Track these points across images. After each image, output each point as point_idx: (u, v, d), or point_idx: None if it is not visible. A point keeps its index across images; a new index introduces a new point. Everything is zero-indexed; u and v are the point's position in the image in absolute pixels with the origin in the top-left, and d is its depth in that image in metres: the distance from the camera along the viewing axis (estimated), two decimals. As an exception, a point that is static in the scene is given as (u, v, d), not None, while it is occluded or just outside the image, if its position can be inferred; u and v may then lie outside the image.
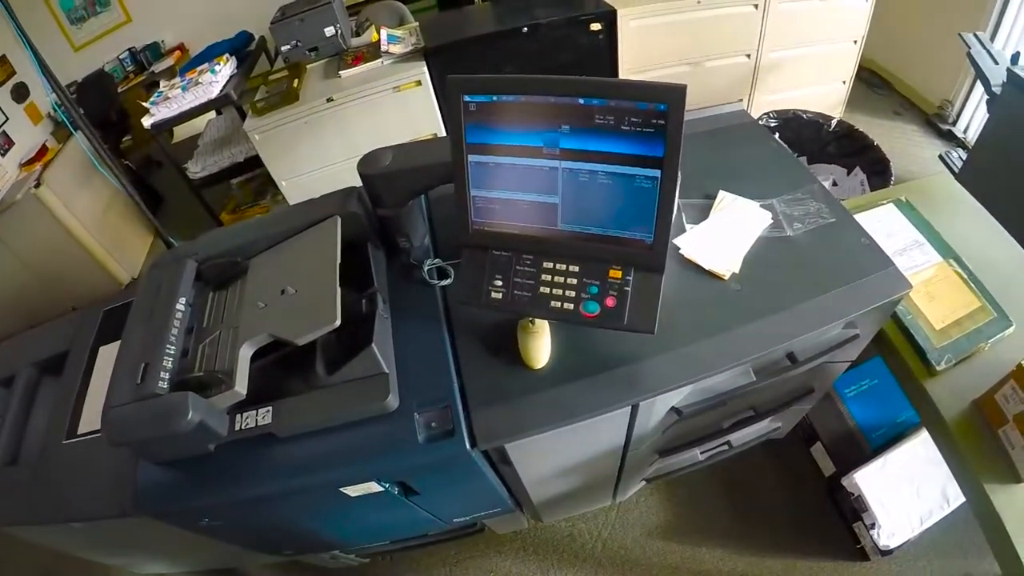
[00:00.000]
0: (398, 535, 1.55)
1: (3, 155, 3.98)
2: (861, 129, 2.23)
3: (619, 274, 0.88)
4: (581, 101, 0.81)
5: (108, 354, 1.32)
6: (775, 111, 2.32)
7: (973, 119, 2.93)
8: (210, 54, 3.06)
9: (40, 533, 1.34)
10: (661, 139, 0.79)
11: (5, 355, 1.53)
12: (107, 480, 1.10)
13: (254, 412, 0.98)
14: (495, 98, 0.85)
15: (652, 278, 0.88)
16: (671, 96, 0.76)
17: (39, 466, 1.21)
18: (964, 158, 2.61)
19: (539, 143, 0.85)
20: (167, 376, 0.95)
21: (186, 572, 2.00)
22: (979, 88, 2.72)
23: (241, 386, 0.94)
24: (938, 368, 1.24)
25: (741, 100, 2.85)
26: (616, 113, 0.80)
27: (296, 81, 2.62)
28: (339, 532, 1.43)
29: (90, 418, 1.23)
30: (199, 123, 3.17)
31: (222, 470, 1.01)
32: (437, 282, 1.14)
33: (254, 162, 2.84)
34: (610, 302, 0.88)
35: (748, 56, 2.69)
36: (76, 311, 1.55)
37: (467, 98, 0.86)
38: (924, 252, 1.42)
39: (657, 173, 0.82)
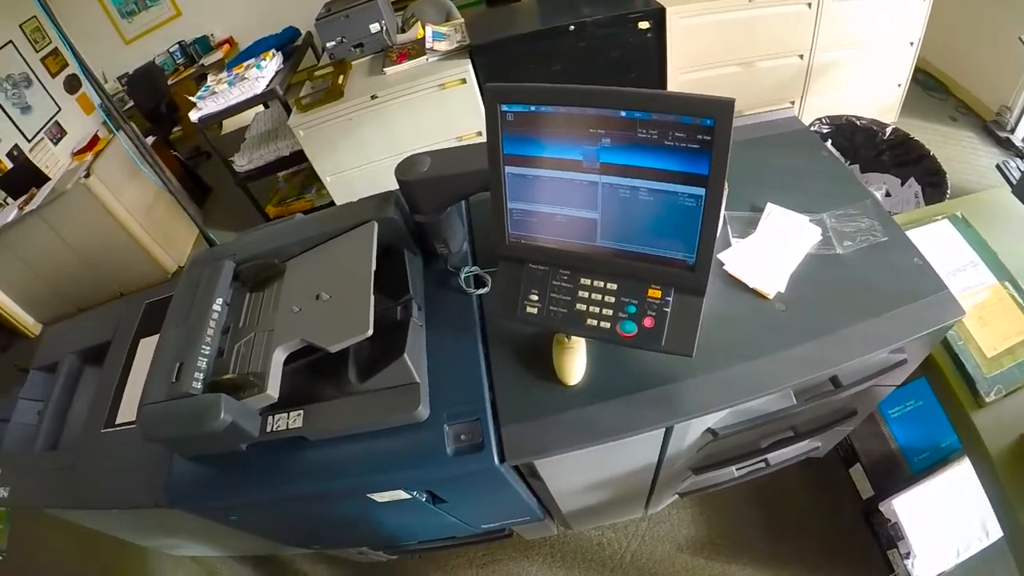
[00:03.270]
0: (426, 536, 1.55)
1: (56, 144, 4.14)
2: (916, 137, 2.14)
3: (658, 294, 0.85)
4: (623, 114, 0.77)
5: (148, 346, 1.35)
6: (828, 117, 2.25)
7: (1033, 127, 2.79)
8: (256, 49, 3.10)
9: (78, 515, 1.38)
10: (706, 156, 0.75)
11: (51, 342, 1.58)
12: (142, 471, 1.13)
13: (285, 415, 0.99)
14: (533, 108, 0.82)
15: (692, 300, 0.84)
16: (718, 110, 0.72)
17: (78, 453, 1.25)
18: (1022, 169, 2.48)
19: (579, 156, 0.82)
20: (201, 376, 0.96)
21: (218, 556, 2.05)
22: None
23: (273, 389, 0.95)
24: (987, 399, 1.19)
25: (792, 102, 2.78)
26: (659, 127, 0.76)
27: (341, 77, 2.63)
28: (366, 532, 1.43)
29: (128, 409, 1.26)
30: (247, 116, 3.22)
31: (253, 469, 1.03)
32: (474, 290, 1.13)
33: (299, 156, 2.87)
34: (648, 322, 0.85)
35: (801, 57, 2.60)
36: (123, 297, 1.58)
37: (504, 108, 0.83)
38: (978, 273, 1.36)
39: (701, 192, 0.78)
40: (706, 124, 0.74)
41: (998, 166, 2.66)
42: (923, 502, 1.56)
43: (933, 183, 2.03)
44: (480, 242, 1.25)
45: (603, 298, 0.88)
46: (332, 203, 3.00)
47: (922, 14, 2.55)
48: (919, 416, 1.68)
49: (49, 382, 1.46)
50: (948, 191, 1.97)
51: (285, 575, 2.03)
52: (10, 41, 4.01)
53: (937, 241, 1.41)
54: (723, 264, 1.09)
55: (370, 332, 0.89)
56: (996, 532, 1.49)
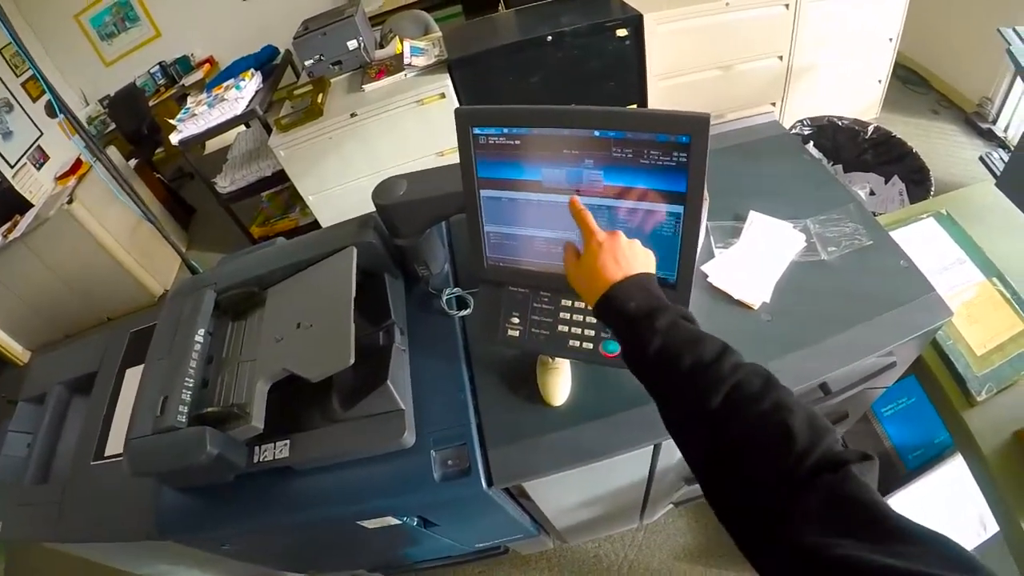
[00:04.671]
0: (420, 558, 1.54)
1: (39, 169, 4.11)
2: (899, 132, 2.14)
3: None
4: (596, 134, 0.76)
5: (134, 376, 1.34)
6: (809, 118, 2.24)
7: (1014, 117, 2.80)
8: (236, 69, 3.07)
9: (72, 547, 1.37)
10: (683, 173, 0.75)
11: (38, 373, 1.57)
12: (132, 503, 1.12)
13: (272, 445, 0.98)
14: (505, 130, 0.81)
15: (675, 317, 0.84)
16: (694, 127, 0.72)
17: (68, 486, 1.24)
18: (1005, 159, 2.49)
19: (554, 178, 0.81)
20: (185, 409, 0.95)
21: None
22: (1020, 85, 2.61)
23: (258, 420, 0.94)
24: (978, 398, 1.18)
25: (774, 104, 2.78)
26: (634, 146, 0.75)
27: (320, 96, 2.62)
28: (360, 557, 1.43)
29: (116, 440, 1.25)
30: (230, 135, 3.21)
31: (242, 499, 1.02)
32: (456, 312, 1.12)
33: (282, 176, 2.85)
34: (631, 341, 0.85)
35: (780, 58, 2.61)
36: (110, 322, 1.57)
37: (476, 131, 0.82)
38: (966, 270, 1.35)
39: (680, 209, 0.77)
40: (682, 141, 0.73)
41: (981, 158, 2.68)
42: (919, 500, 1.55)
43: (917, 180, 2.03)
44: (461, 263, 1.24)
45: (584, 319, 0.87)
46: (316, 222, 2.98)
47: (900, 9, 2.55)
48: (912, 413, 1.67)
49: (38, 413, 1.45)
50: (932, 187, 1.97)
51: (282, 598, 2.01)
52: (-11, 67, 3.99)
53: (923, 240, 1.41)
54: (707, 276, 1.08)
55: (351, 361, 0.88)
56: (993, 526, 1.49)
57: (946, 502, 1.53)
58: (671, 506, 1.63)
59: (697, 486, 1.36)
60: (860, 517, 0.43)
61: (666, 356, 0.60)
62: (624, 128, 0.75)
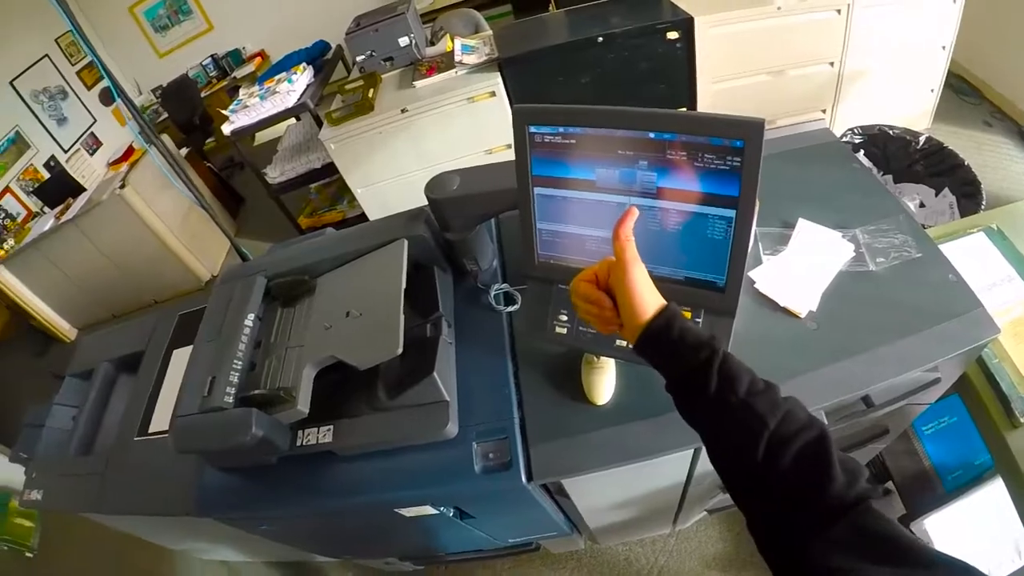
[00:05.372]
0: (452, 549, 1.55)
1: (92, 154, 4.25)
2: (950, 144, 2.09)
3: (688, 315, 0.84)
4: (652, 135, 0.77)
5: (181, 358, 1.38)
6: (860, 127, 2.20)
7: (1072, 133, 2.71)
8: (288, 63, 3.13)
9: (108, 519, 1.41)
10: (736, 177, 0.74)
11: (86, 350, 1.62)
12: (174, 480, 1.15)
13: (315, 430, 1.01)
14: (562, 129, 0.82)
15: (723, 321, 0.84)
16: (748, 131, 0.71)
17: (111, 459, 1.28)
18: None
19: (607, 178, 0.82)
20: (232, 391, 0.98)
21: (249, 561, 2.07)
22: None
23: (304, 405, 0.96)
24: (1022, 419, 1.16)
25: (824, 111, 2.72)
26: (689, 149, 0.75)
27: (371, 91, 2.65)
28: (394, 544, 1.45)
29: (161, 418, 1.29)
30: (280, 127, 3.27)
31: (282, 482, 1.04)
32: (503, 308, 1.13)
33: (331, 168, 2.90)
34: (678, 344, 0.85)
35: (831, 64, 2.55)
36: (156, 305, 1.62)
37: (532, 129, 0.83)
38: (1015, 288, 1.32)
39: (731, 214, 0.77)
40: (736, 146, 0.73)
41: (1035, 174, 2.60)
42: (955, 522, 1.51)
43: (968, 193, 1.98)
44: (510, 259, 1.25)
45: (633, 320, 0.87)
46: (363, 215, 3.02)
47: (954, 17, 2.48)
48: (953, 433, 1.63)
49: (84, 388, 1.50)
50: (984, 202, 1.92)
51: (311, 582, 2.05)
52: (46, 55, 4.14)
53: (972, 255, 1.38)
54: (754, 282, 1.07)
55: (400, 351, 0.90)
56: (1031, 555, 1.45)
57: (982, 526, 1.48)
58: (705, 513, 1.61)
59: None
60: (884, 547, 0.48)
61: (720, 394, 0.62)
62: (679, 131, 0.75)
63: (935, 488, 1.60)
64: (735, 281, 0.81)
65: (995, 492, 1.47)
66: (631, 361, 0.89)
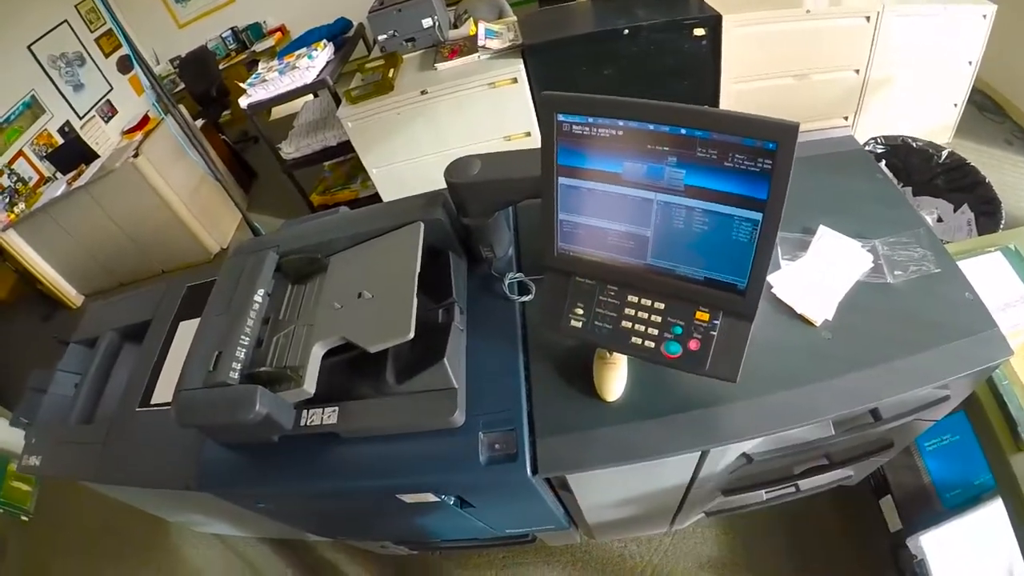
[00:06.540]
0: (449, 536, 1.55)
1: (107, 122, 4.25)
2: (971, 160, 2.07)
3: (706, 317, 0.84)
4: (684, 132, 0.75)
5: (187, 329, 1.37)
6: (883, 136, 2.18)
7: (1095, 157, 2.69)
8: (308, 39, 3.12)
9: (106, 488, 1.41)
10: (766, 180, 0.73)
11: (92, 317, 1.62)
12: (174, 452, 1.15)
13: (320, 411, 1.00)
14: (591, 120, 0.80)
15: (741, 325, 0.83)
16: (782, 134, 0.70)
17: (112, 429, 1.28)
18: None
19: (635, 172, 0.81)
20: (238, 367, 0.98)
21: (243, 536, 2.08)
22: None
23: (310, 385, 0.96)
24: (1029, 443, 1.14)
25: (846, 117, 2.70)
26: (720, 148, 0.74)
27: (391, 71, 2.64)
28: (391, 529, 1.44)
29: (164, 390, 1.29)
30: (297, 103, 3.27)
31: (284, 461, 1.04)
32: (517, 297, 1.12)
33: (346, 147, 2.89)
34: (693, 345, 0.84)
35: (856, 71, 2.53)
36: (164, 275, 1.61)
37: (561, 117, 0.81)
38: (1029, 310, 1.31)
39: (758, 216, 0.76)
40: (768, 148, 0.72)
41: (1055, 196, 2.57)
42: (951, 540, 1.50)
43: (987, 211, 1.96)
44: (526, 249, 1.24)
45: (649, 317, 0.86)
46: (377, 195, 3.02)
47: (982, 33, 2.45)
48: (955, 451, 1.62)
49: (88, 356, 1.49)
50: (1003, 221, 1.90)
51: (305, 560, 2.06)
52: (65, 20, 4.13)
53: (988, 274, 1.36)
54: (771, 287, 1.06)
55: (411, 335, 0.89)
56: (1023, 576, 1.45)
57: (977, 546, 1.48)
58: (703, 515, 1.61)
59: (733, 498, 1.35)
60: None
61: None
62: (712, 129, 0.74)
63: (934, 505, 1.60)
64: (756, 285, 0.80)
65: (993, 514, 1.47)
66: (645, 359, 0.89)
